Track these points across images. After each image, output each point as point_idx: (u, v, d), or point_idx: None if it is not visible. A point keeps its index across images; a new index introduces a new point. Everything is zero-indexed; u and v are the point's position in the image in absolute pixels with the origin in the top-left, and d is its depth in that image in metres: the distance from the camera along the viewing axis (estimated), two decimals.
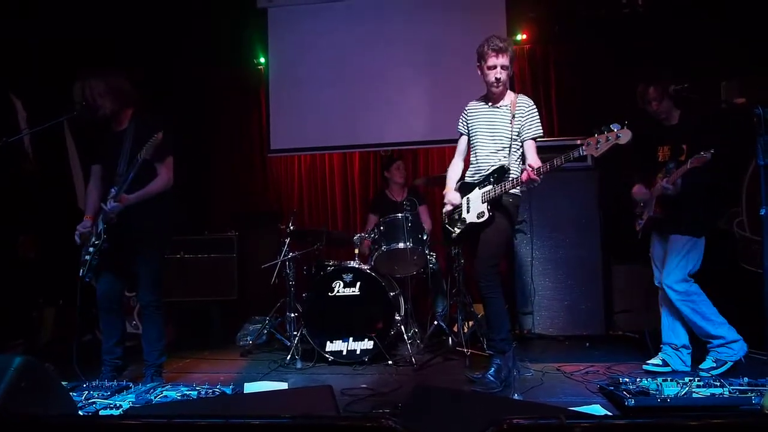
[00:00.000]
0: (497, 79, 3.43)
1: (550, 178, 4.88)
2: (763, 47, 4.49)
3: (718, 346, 3.56)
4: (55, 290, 5.03)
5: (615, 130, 2.93)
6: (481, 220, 3.42)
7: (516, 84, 5.90)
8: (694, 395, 2.78)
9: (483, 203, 3.43)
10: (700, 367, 3.59)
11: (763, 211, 2.72)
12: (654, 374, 3.56)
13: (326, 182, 6.42)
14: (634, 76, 5.27)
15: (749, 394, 2.75)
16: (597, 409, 2.78)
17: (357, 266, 4.35)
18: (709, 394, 2.79)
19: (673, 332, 3.75)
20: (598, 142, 2.98)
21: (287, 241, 4.56)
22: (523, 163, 3.53)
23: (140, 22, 5.38)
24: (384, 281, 4.30)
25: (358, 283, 4.25)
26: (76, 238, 3.47)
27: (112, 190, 3.34)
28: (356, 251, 4.60)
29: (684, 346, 3.73)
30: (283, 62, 6.29)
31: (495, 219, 3.42)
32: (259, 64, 6.46)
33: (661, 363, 3.74)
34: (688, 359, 3.72)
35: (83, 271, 3.38)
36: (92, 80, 3.42)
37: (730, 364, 3.51)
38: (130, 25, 5.32)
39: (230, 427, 1.21)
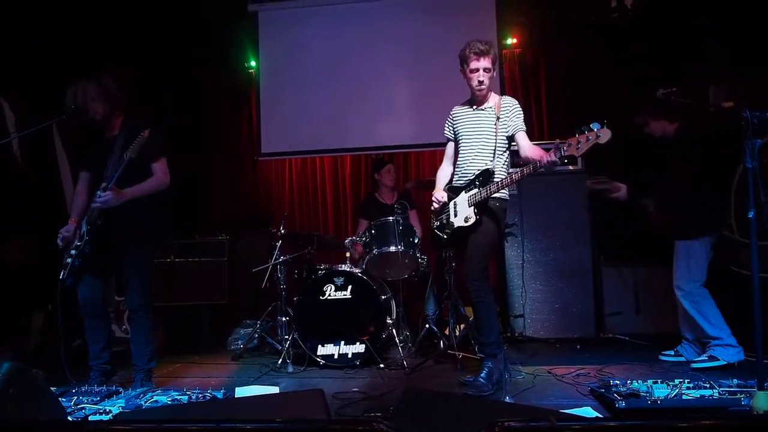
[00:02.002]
0: (480, 82, 3.45)
1: (541, 181, 4.96)
2: (753, 50, 4.54)
3: (716, 345, 3.72)
4: (43, 295, 4.98)
5: (595, 129, 2.94)
6: (468, 223, 3.43)
7: (506, 88, 5.94)
8: (684, 397, 2.79)
9: (470, 207, 3.44)
10: (692, 359, 3.80)
11: (751, 214, 2.74)
12: (669, 363, 3.93)
13: (317, 186, 6.41)
14: (624, 80, 5.35)
15: (739, 396, 2.76)
16: (588, 412, 2.79)
17: (348, 270, 4.35)
18: (699, 395, 2.80)
19: (685, 327, 3.99)
20: (578, 142, 2.99)
21: (278, 244, 4.55)
22: (512, 165, 3.57)
23: (130, 26, 5.37)
24: (375, 285, 4.30)
25: (350, 287, 4.25)
26: (59, 241, 3.43)
27: (99, 192, 3.30)
28: (347, 255, 4.60)
29: (696, 340, 3.95)
30: (274, 66, 6.29)
31: (482, 222, 3.43)
32: (250, 67, 6.46)
33: (673, 353, 4.03)
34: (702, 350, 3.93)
35: (64, 274, 3.34)
36: (86, 84, 3.40)
37: (722, 362, 3.64)
38: (120, 29, 5.31)
39: (221, 431, 1.21)
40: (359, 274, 4.29)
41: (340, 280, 4.26)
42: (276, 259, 4.50)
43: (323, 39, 6.15)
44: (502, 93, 5.85)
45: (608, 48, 5.55)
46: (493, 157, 3.48)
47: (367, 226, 4.62)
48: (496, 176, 3.43)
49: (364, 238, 4.54)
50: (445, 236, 3.60)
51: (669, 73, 4.78)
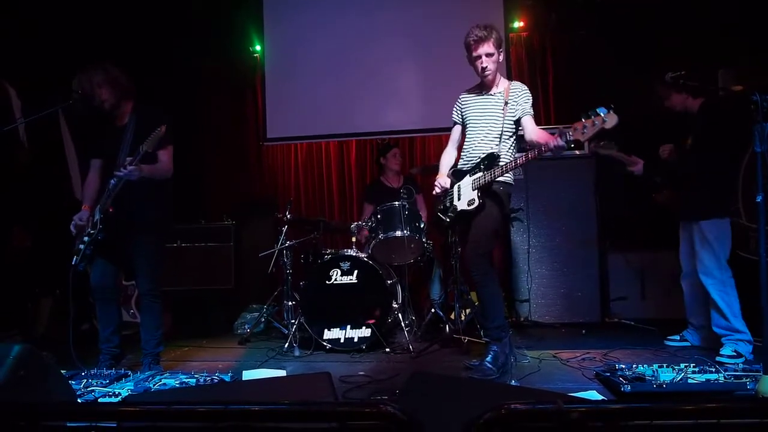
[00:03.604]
0: (484, 69, 3.44)
1: (547, 166, 4.94)
2: (762, 34, 4.49)
3: (738, 339, 3.58)
4: (51, 280, 5.02)
5: (602, 114, 2.89)
6: (471, 207, 3.43)
7: (513, 71, 5.91)
8: (690, 381, 2.80)
9: (473, 190, 3.44)
10: (720, 352, 3.58)
11: (759, 198, 2.72)
12: (674, 348, 3.91)
13: (323, 171, 6.40)
14: (631, 64, 5.30)
15: (744, 380, 2.77)
16: (593, 395, 2.80)
17: (354, 254, 4.36)
18: (704, 379, 2.81)
19: (691, 312, 3.94)
20: (584, 127, 2.95)
21: (284, 229, 4.56)
22: (518, 149, 3.55)
23: (135, 10, 5.34)
24: (381, 269, 4.31)
25: (356, 272, 4.26)
26: (72, 228, 3.46)
27: (112, 181, 3.34)
28: (353, 239, 4.61)
29: (702, 327, 3.89)
30: (280, 50, 6.27)
31: (485, 206, 3.43)
32: (255, 52, 6.43)
33: (678, 338, 4.01)
34: (705, 334, 3.88)
35: (76, 260, 3.38)
36: (91, 70, 3.42)
37: (751, 357, 3.48)
38: (123, 13, 5.28)
39: (229, 413, 1.22)
40: (365, 259, 4.30)
41: (346, 265, 4.27)
42: (282, 243, 4.51)
43: (328, 23, 6.11)
44: (509, 76, 5.84)
45: (615, 32, 5.49)
46: (499, 141, 3.47)
47: (373, 210, 4.63)
48: (500, 160, 3.43)
49: (369, 223, 4.55)
50: (448, 219, 3.60)
51: (677, 56, 4.73)
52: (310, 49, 6.15)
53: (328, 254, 4.48)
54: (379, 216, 4.45)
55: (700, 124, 3.72)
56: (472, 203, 3.43)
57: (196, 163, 6.24)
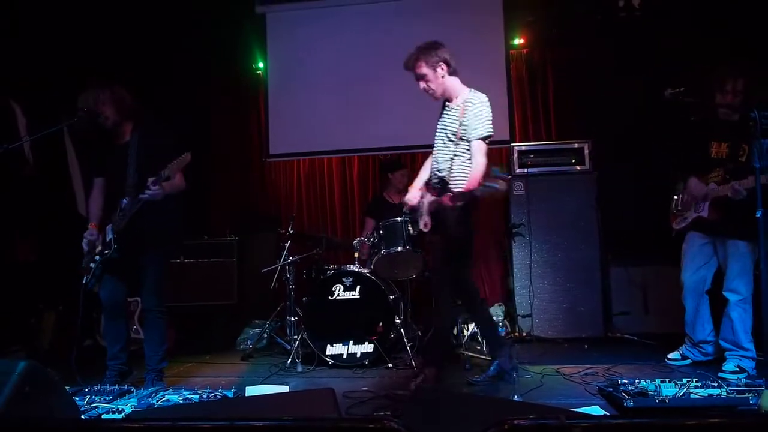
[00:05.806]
0: (425, 91, 3.49)
1: (548, 181, 4.97)
2: (760, 50, 4.53)
3: (743, 356, 3.57)
4: (55, 295, 5.03)
5: (499, 177, 3.04)
6: (426, 229, 3.48)
7: (514, 87, 5.97)
8: (692, 396, 2.80)
9: (427, 214, 3.47)
10: (723, 367, 3.59)
11: (759, 214, 2.74)
12: (676, 368, 3.82)
13: (325, 187, 6.42)
14: (631, 79, 5.35)
15: (747, 395, 2.77)
16: (596, 410, 2.80)
17: (357, 270, 4.37)
18: (707, 394, 2.81)
19: (692, 328, 3.88)
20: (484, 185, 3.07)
21: (287, 245, 4.58)
22: (524, 165, 3.57)
23: (140, 27, 5.41)
24: (384, 285, 4.32)
25: (358, 287, 4.27)
26: (84, 245, 3.49)
27: (123, 201, 3.36)
28: (356, 255, 4.62)
29: (703, 341, 3.84)
30: (282, 67, 6.32)
31: (439, 229, 3.42)
32: (258, 69, 6.49)
33: (680, 357, 3.94)
34: (710, 348, 3.83)
35: (87, 279, 3.41)
36: (99, 88, 3.46)
37: (754, 373, 3.48)
38: (129, 30, 5.35)
39: (235, 429, 1.23)
40: (367, 275, 4.31)
41: (348, 280, 4.28)
42: (285, 259, 4.53)
43: (331, 40, 6.17)
44: (509, 93, 5.89)
45: (616, 47, 5.54)
46: (453, 156, 3.42)
47: (374, 225, 4.65)
48: (452, 183, 3.39)
49: (372, 239, 4.56)
50: (415, 233, 3.71)
51: (676, 72, 4.77)
52: (313, 65, 6.20)
53: (330, 270, 4.49)
54: (381, 232, 4.46)
55: (743, 134, 3.43)
56: (427, 226, 3.47)
57: (199, 178, 6.24)
